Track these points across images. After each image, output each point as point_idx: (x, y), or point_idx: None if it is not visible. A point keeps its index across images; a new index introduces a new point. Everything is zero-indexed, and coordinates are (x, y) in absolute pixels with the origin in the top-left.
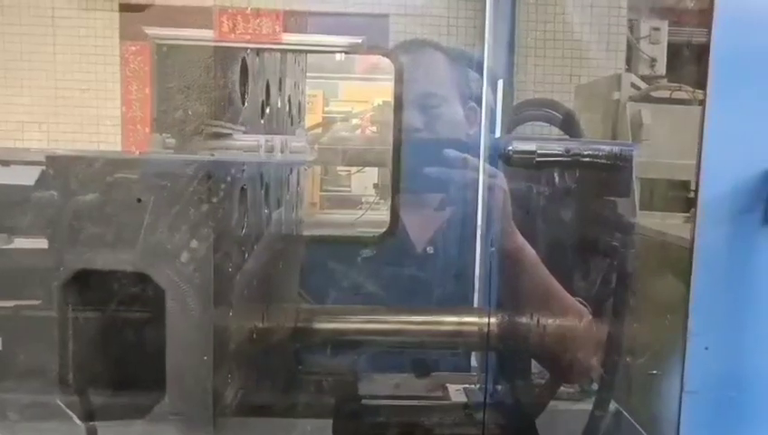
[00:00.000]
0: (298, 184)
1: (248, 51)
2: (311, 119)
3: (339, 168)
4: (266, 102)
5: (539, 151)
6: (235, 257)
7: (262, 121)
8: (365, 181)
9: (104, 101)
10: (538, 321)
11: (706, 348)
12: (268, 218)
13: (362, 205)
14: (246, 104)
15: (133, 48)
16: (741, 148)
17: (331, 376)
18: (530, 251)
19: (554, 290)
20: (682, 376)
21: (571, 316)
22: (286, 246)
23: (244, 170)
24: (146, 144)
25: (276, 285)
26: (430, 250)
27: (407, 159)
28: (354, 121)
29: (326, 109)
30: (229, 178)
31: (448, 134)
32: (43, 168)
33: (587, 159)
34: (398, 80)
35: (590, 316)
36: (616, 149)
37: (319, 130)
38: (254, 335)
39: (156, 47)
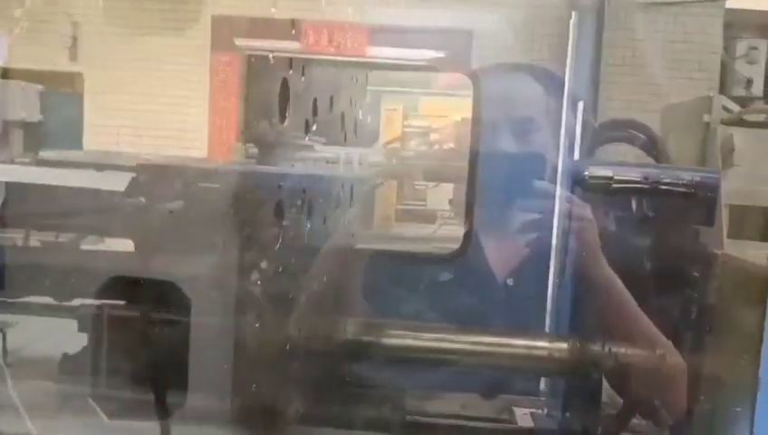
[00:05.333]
0: (353, 198)
1: (291, 70)
2: (390, 133)
3: (415, 182)
4: (312, 120)
5: (616, 177)
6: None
7: (306, 139)
8: (441, 196)
9: (193, 108)
10: (609, 350)
11: None
12: (322, 232)
13: (438, 219)
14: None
15: (223, 59)
16: None
17: (396, 392)
18: (618, 282)
19: (641, 323)
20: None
21: (658, 351)
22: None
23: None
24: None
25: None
26: (510, 282)
27: (486, 181)
28: (432, 136)
29: (405, 123)
30: (303, 194)
31: (531, 159)
32: (134, 175)
33: (667, 187)
34: (477, 99)
35: (677, 352)
36: (699, 176)
37: (397, 144)
38: (319, 349)
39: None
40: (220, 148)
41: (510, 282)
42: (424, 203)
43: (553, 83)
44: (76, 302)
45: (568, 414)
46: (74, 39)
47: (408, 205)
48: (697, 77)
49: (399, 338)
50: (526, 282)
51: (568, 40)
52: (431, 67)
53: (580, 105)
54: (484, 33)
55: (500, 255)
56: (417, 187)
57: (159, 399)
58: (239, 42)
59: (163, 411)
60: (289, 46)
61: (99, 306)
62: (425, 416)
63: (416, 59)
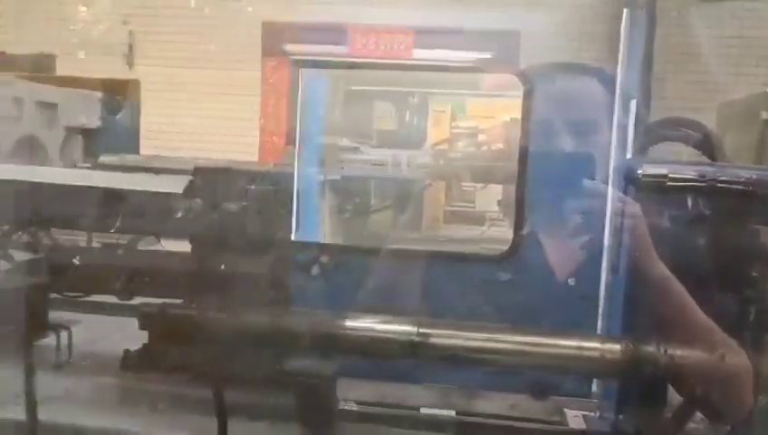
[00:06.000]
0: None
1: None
2: (438, 134)
3: (464, 184)
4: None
5: (670, 175)
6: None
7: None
8: (490, 197)
9: (244, 113)
10: (665, 350)
11: None
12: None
13: (487, 221)
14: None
15: (272, 64)
16: None
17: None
18: (675, 281)
19: (701, 323)
20: None
21: (720, 349)
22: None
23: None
24: (280, 155)
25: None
26: (572, 282)
27: (538, 181)
28: (480, 137)
29: (453, 124)
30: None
31: (584, 157)
32: (191, 177)
33: (724, 185)
34: (528, 99)
35: (741, 351)
36: (757, 174)
37: (445, 146)
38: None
39: (293, 63)
40: (270, 151)
41: (571, 282)
42: (472, 205)
43: (605, 82)
44: (137, 301)
45: (621, 416)
46: (131, 47)
47: (456, 206)
48: (753, 73)
49: (449, 338)
50: (586, 282)
51: (618, 38)
52: (479, 68)
53: (633, 103)
54: (532, 33)
55: (559, 254)
56: (465, 188)
57: (217, 393)
58: (288, 47)
59: (221, 405)
60: (336, 51)
61: (158, 305)
62: (473, 415)
63: (463, 60)
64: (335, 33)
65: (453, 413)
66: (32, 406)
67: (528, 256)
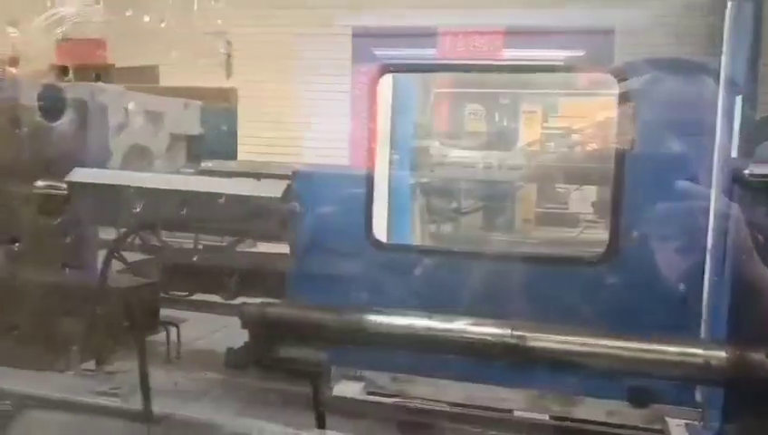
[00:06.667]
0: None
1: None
2: (529, 135)
3: (557, 185)
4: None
5: None
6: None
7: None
8: (584, 199)
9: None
10: None
11: None
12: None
13: (580, 223)
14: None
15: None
16: None
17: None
18: None
19: None
20: None
21: None
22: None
23: None
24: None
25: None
26: (672, 285)
27: (637, 182)
28: (573, 138)
29: (545, 125)
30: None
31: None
32: (288, 182)
33: None
34: (626, 97)
35: None
36: None
37: (537, 147)
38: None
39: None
40: (361, 155)
41: (672, 284)
42: (565, 206)
43: (708, 77)
44: (239, 300)
45: (727, 426)
46: (228, 57)
47: (548, 208)
48: None
49: (544, 341)
50: (688, 284)
51: (719, 32)
52: (574, 67)
53: (738, 100)
54: (627, 30)
55: (659, 256)
56: (558, 190)
57: (316, 391)
58: (378, 52)
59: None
60: (425, 54)
61: (259, 304)
62: (568, 420)
63: (554, 60)
64: (424, 36)
65: (546, 417)
66: (147, 397)
67: (626, 259)
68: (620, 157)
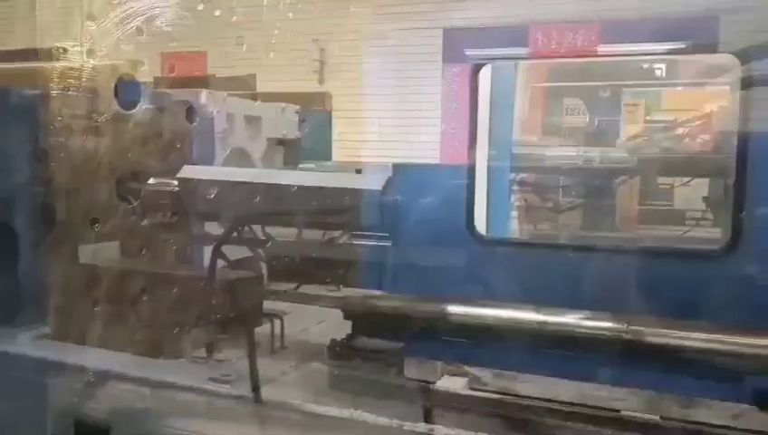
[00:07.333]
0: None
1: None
2: (631, 129)
3: (660, 180)
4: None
5: None
6: None
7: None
8: (690, 195)
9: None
10: None
11: None
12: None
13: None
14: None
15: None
16: None
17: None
18: None
19: None
20: None
21: None
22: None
23: None
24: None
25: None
26: None
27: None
28: (681, 130)
29: (647, 118)
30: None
31: None
32: (389, 175)
33: None
34: (749, 82)
35: None
36: None
37: (639, 141)
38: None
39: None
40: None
41: None
42: (670, 203)
43: None
44: (343, 292)
45: None
46: (322, 63)
47: (651, 205)
48: None
49: (662, 337)
50: None
51: None
52: (696, 51)
53: None
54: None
55: None
56: (661, 185)
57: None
58: (469, 51)
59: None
60: (516, 52)
61: (361, 296)
62: (687, 422)
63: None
64: (516, 33)
65: (657, 418)
66: (255, 385)
67: (751, 250)
68: (742, 146)
